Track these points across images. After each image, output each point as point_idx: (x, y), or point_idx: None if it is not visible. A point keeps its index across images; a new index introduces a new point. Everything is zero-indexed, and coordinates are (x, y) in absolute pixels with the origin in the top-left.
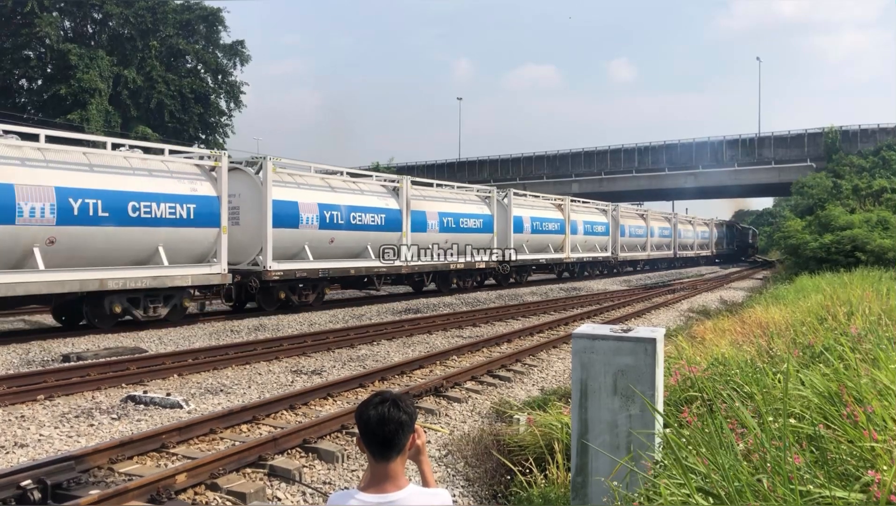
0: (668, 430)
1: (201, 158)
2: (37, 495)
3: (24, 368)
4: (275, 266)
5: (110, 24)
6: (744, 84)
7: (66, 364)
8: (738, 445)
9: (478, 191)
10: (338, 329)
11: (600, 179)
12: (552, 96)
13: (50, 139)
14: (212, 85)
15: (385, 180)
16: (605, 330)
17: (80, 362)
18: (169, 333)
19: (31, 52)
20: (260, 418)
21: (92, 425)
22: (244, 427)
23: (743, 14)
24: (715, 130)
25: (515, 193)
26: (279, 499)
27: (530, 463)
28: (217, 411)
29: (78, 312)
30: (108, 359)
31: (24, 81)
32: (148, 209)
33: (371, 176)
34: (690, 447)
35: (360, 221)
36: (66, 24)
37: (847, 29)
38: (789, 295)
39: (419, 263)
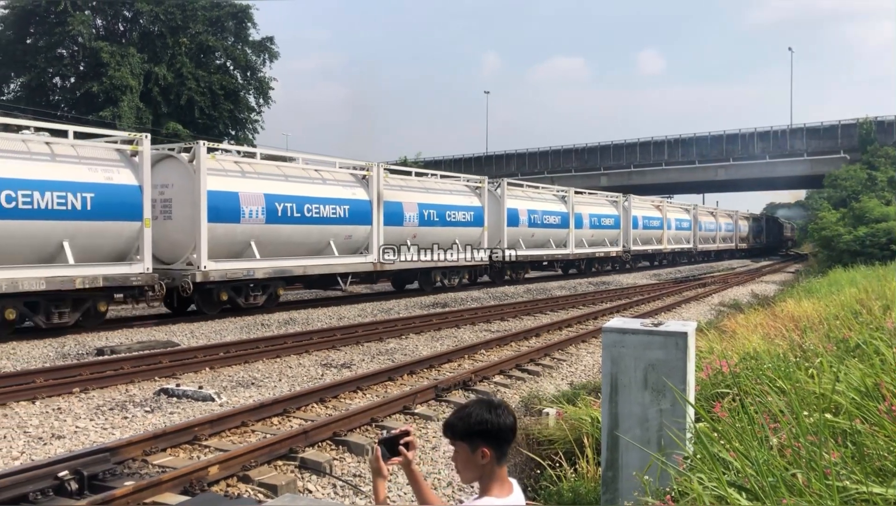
0: (700, 424)
1: (469, 179)
2: (74, 485)
3: (60, 361)
4: (509, 253)
5: (141, 21)
6: (775, 75)
7: (101, 358)
8: (771, 439)
9: (608, 196)
10: (366, 323)
11: (629, 172)
12: (580, 88)
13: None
14: (241, 81)
15: (556, 191)
16: (635, 324)
17: (114, 356)
18: (200, 326)
19: (64, 51)
20: (291, 410)
21: (126, 418)
22: (275, 420)
23: (775, 4)
24: (746, 122)
25: (638, 198)
26: (310, 491)
27: (560, 457)
28: (248, 403)
29: (404, 281)
30: (141, 352)
31: (57, 79)
32: (454, 216)
33: (552, 188)
34: (723, 442)
35: (546, 221)
36: (98, 22)
37: (883, 17)
38: (822, 289)
39: (577, 251)
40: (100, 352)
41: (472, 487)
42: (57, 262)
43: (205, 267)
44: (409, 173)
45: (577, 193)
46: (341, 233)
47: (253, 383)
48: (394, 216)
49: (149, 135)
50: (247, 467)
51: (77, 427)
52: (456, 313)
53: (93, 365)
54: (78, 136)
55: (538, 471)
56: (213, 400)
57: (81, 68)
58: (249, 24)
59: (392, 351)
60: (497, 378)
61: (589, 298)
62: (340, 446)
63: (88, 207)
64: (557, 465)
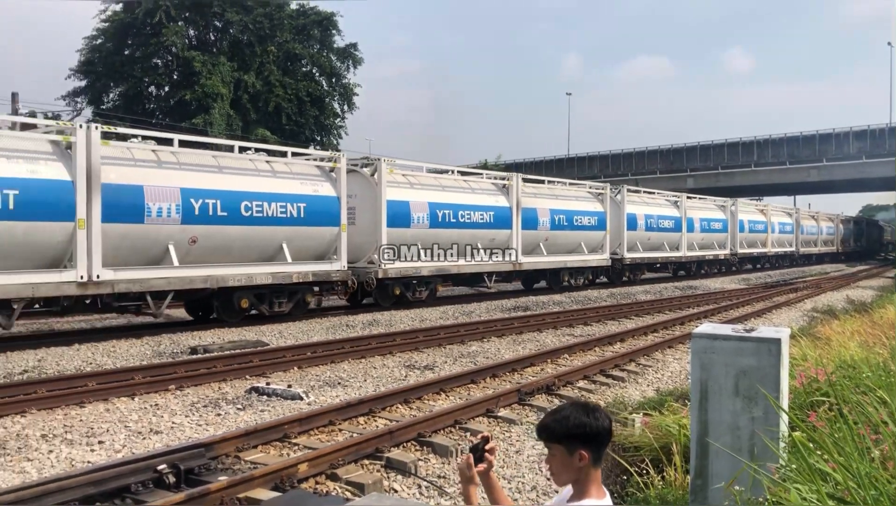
0: (796, 433)
1: (591, 186)
2: (171, 478)
3: (157, 359)
4: (628, 255)
5: (231, 31)
6: (872, 72)
7: (194, 356)
8: (873, 451)
9: (716, 200)
10: (448, 326)
11: (717, 173)
12: (665, 88)
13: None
14: (326, 88)
15: (669, 196)
16: (726, 330)
17: (207, 355)
18: (288, 327)
19: (159, 61)
20: (376, 410)
21: (219, 415)
22: (361, 419)
23: None
24: (840, 121)
25: (742, 202)
26: (395, 491)
27: (646, 464)
28: (335, 403)
29: (533, 280)
30: (233, 352)
31: (152, 88)
32: (580, 220)
33: (666, 193)
34: (820, 452)
35: (661, 225)
36: (191, 32)
37: None
38: None
39: (689, 254)
40: (193, 351)
41: (557, 489)
42: (277, 260)
43: (385, 266)
44: (541, 182)
45: (688, 197)
46: (486, 236)
47: (339, 383)
48: (530, 221)
49: (345, 153)
50: (334, 466)
51: (173, 423)
52: (538, 317)
53: (187, 363)
54: (278, 154)
55: (624, 477)
56: (301, 399)
57: (175, 77)
58: (334, 32)
59: (474, 354)
60: (581, 383)
61: (675, 303)
62: (425, 447)
63: (302, 215)
64: (644, 472)
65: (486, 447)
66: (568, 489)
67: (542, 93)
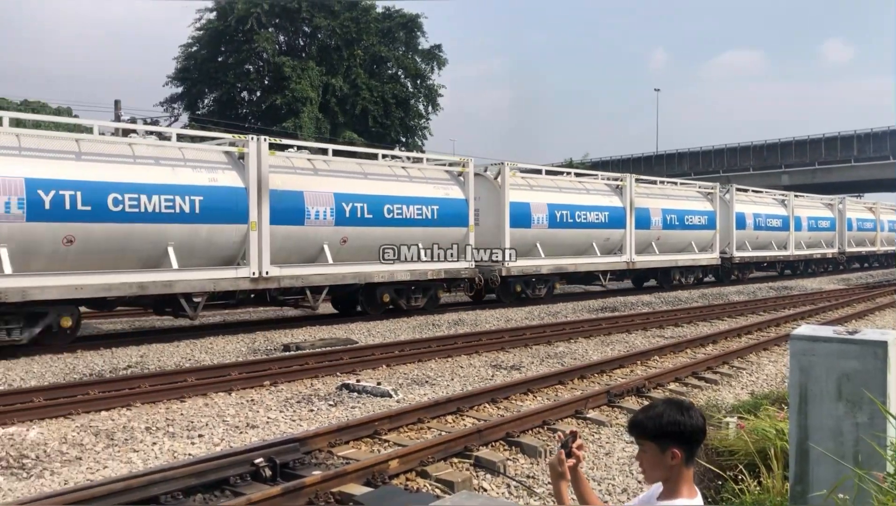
0: None
1: (701, 186)
2: (268, 472)
3: (251, 356)
4: (737, 254)
5: (319, 35)
6: None
7: (287, 353)
8: None
9: (822, 199)
10: (534, 326)
11: (814, 170)
12: (757, 83)
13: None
14: (411, 90)
15: (777, 195)
16: (827, 331)
17: (299, 352)
18: (376, 325)
19: (250, 67)
20: (464, 409)
21: (311, 411)
22: (449, 418)
23: None
24: None
25: (850, 200)
26: (485, 489)
27: (740, 470)
28: (424, 401)
29: (643, 279)
30: (324, 349)
31: (244, 93)
32: (691, 220)
33: (773, 192)
34: None
35: (769, 224)
36: (281, 38)
37: None
38: None
39: (797, 253)
40: (286, 348)
41: (643, 487)
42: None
43: (508, 264)
44: (653, 182)
45: (795, 196)
46: (601, 236)
47: (427, 381)
48: (642, 221)
49: (472, 158)
50: (424, 463)
51: (268, 418)
52: (626, 318)
53: (281, 360)
54: (415, 160)
55: (719, 482)
56: (390, 396)
57: (266, 82)
58: (419, 33)
59: (561, 355)
60: (672, 385)
61: (769, 304)
62: (513, 447)
63: (435, 217)
64: (739, 478)
65: (574, 444)
66: (657, 486)
67: (629, 90)
